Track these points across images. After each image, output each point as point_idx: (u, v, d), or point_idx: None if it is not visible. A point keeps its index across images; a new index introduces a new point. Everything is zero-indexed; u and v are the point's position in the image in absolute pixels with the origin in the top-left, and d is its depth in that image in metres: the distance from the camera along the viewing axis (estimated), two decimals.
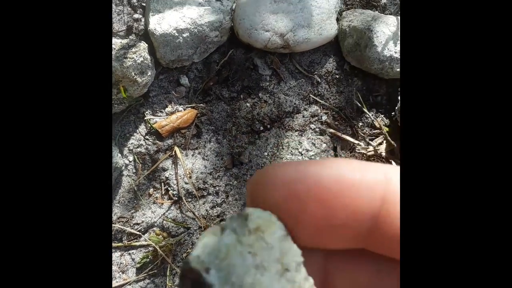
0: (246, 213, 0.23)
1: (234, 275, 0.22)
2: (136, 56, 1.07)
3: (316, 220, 0.23)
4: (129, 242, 1.07)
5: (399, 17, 1.12)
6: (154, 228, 1.08)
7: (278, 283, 0.22)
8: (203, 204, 1.10)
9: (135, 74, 1.08)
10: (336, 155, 1.13)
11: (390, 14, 1.20)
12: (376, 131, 1.14)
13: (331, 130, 1.14)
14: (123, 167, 1.12)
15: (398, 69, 1.08)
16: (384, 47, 1.06)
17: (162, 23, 1.10)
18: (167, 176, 1.12)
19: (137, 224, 1.08)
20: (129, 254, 1.06)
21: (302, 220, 0.23)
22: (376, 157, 1.14)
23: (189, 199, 1.10)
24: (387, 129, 1.13)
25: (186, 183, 1.11)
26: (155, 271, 1.05)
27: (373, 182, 0.22)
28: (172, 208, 1.10)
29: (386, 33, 1.07)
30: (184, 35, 1.10)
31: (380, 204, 0.22)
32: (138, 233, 1.06)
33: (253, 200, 0.24)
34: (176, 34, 1.10)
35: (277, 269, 0.22)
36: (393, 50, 1.06)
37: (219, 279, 0.21)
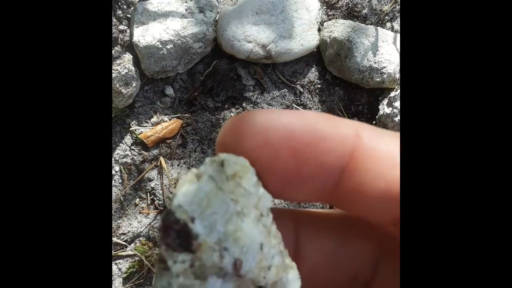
0: (220, 159, 0.22)
1: (218, 223, 0.21)
2: (121, 68, 1.09)
3: (287, 170, 0.23)
4: (115, 252, 1.08)
5: (378, 28, 1.15)
6: (140, 238, 1.09)
7: (256, 227, 0.22)
8: None
9: (120, 85, 1.09)
10: None
11: (371, 24, 1.22)
12: None
13: None
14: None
15: (378, 79, 1.10)
16: (364, 57, 1.09)
17: (146, 35, 1.11)
18: (153, 186, 1.13)
19: (123, 234, 1.09)
20: (116, 264, 1.08)
21: (273, 168, 0.23)
22: None
23: None
24: None
25: (171, 193, 1.12)
26: (141, 280, 1.07)
27: (343, 136, 0.22)
28: (158, 218, 1.11)
29: (366, 44, 1.09)
30: (168, 47, 1.12)
31: (349, 158, 0.22)
32: (124, 243, 1.08)
33: (225, 146, 0.23)
34: (160, 45, 1.12)
35: (255, 215, 0.22)
36: (372, 60, 1.09)
37: (204, 228, 0.21)
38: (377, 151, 0.23)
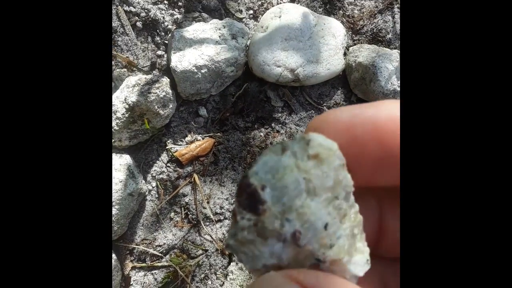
0: (308, 138, 0.23)
1: (286, 196, 0.22)
2: (159, 91, 1.18)
3: (375, 160, 0.24)
4: (152, 263, 1.15)
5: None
6: (175, 250, 1.16)
7: (325, 208, 0.23)
8: (220, 227, 1.18)
9: (158, 107, 1.18)
10: None
11: (395, 48, 1.28)
12: None
13: None
14: (147, 193, 1.22)
15: None
16: (387, 81, 1.14)
17: (182, 60, 1.20)
18: (187, 201, 1.21)
19: (159, 246, 1.16)
20: (152, 274, 1.15)
21: (361, 161, 0.24)
22: None
23: (207, 223, 1.19)
24: None
25: (204, 208, 1.19)
26: None
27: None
28: (191, 231, 1.18)
29: (389, 69, 1.15)
30: (203, 71, 1.20)
31: None
32: (160, 254, 1.15)
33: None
34: (195, 70, 1.20)
35: (327, 197, 0.23)
36: (396, 84, 1.14)
37: (272, 197, 0.23)
38: None
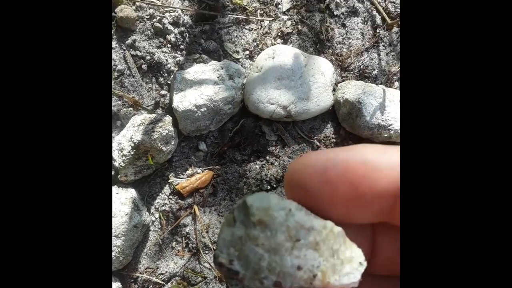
0: (247, 204, 0.25)
1: (252, 262, 0.25)
2: (162, 130, 1.28)
3: (347, 201, 0.25)
4: None
5: (386, 89, 1.29)
6: (176, 278, 1.24)
7: (290, 256, 0.24)
8: None
9: (161, 144, 1.27)
10: None
11: (381, 83, 1.37)
12: None
13: None
14: (150, 224, 1.30)
15: (386, 135, 1.23)
16: (372, 116, 1.22)
17: (183, 100, 1.30)
18: (187, 231, 1.29)
19: (162, 274, 1.24)
20: None
21: (334, 201, 0.25)
22: None
23: (206, 251, 1.26)
24: None
25: (203, 237, 1.27)
26: None
27: (394, 163, 0.24)
28: (191, 259, 1.26)
29: (374, 105, 1.24)
30: (202, 110, 1.30)
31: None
32: (162, 282, 1.23)
33: (290, 187, 0.26)
34: (195, 109, 1.30)
35: (286, 247, 0.24)
36: (380, 119, 1.23)
37: (241, 266, 0.25)
38: None
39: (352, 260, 0.26)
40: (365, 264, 0.26)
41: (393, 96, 1.27)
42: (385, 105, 1.24)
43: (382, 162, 0.24)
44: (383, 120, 1.23)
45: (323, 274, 0.25)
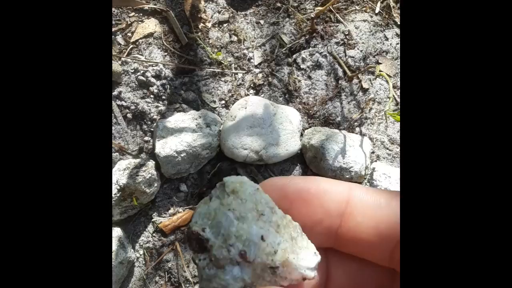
0: (223, 182, 0.29)
1: (222, 229, 0.27)
2: (146, 173, 1.41)
3: (301, 216, 0.28)
4: None
5: (347, 134, 1.45)
6: None
7: (256, 225, 0.27)
8: None
9: (144, 187, 1.40)
10: None
11: (343, 129, 1.53)
12: None
13: None
14: (135, 260, 1.42)
15: (347, 176, 1.39)
16: (334, 160, 1.38)
17: (165, 147, 1.44)
18: (170, 266, 1.40)
19: None
20: None
21: (290, 215, 0.28)
22: None
23: (187, 285, 1.38)
24: None
25: (184, 271, 1.39)
26: None
27: (341, 190, 0.28)
28: None
29: (335, 149, 1.39)
30: (182, 155, 1.44)
31: (345, 205, 0.28)
32: None
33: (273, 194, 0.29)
34: (176, 154, 1.44)
35: (253, 216, 0.27)
36: (342, 162, 1.38)
37: (212, 234, 0.27)
38: (365, 199, 0.28)
39: (308, 248, 0.28)
40: (319, 257, 0.29)
41: (353, 141, 1.43)
42: (346, 149, 1.39)
43: (333, 187, 0.28)
44: (344, 163, 1.38)
45: (283, 251, 0.27)
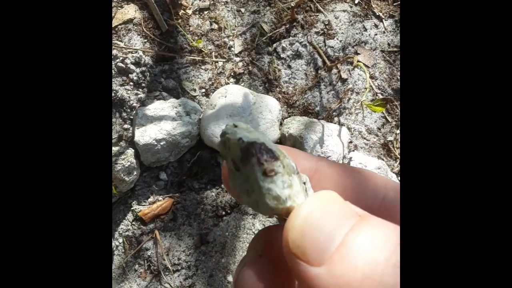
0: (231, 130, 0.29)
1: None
2: (125, 162, 1.40)
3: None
4: None
5: (325, 124, 1.47)
6: None
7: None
8: (178, 276, 1.39)
9: (123, 175, 1.40)
10: None
11: (322, 118, 1.55)
12: None
13: None
14: (114, 248, 1.42)
15: None
16: (313, 149, 1.40)
17: (144, 135, 1.44)
18: (149, 254, 1.41)
19: None
20: None
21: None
22: None
23: (167, 273, 1.39)
24: None
25: (164, 259, 1.40)
26: None
27: (311, 160, 0.30)
28: (153, 281, 1.38)
29: (314, 139, 1.42)
30: (162, 143, 1.44)
31: (314, 173, 0.29)
32: None
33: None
34: (155, 143, 1.44)
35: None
36: (320, 151, 1.41)
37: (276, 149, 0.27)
38: (332, 168, 0.30)
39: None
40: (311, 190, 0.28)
41: (331, 130, 1.46)
42: (324, 139, 1.42)
43: (304, 158, 0.30)
44: (322, 153, 1.41)
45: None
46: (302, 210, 0.23)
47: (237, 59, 1.61)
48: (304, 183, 0.28)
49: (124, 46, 1.57)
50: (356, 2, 1.70)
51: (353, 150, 1.54)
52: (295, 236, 0.22)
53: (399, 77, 1.60)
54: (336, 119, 1.57)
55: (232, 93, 1.49)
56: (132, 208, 1.46)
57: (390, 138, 1.57)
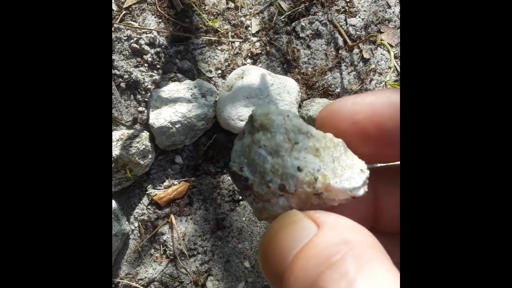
0: (251, 114, 0.28)
1: (257, 166, 0.26)
2: (139, 145, 1.37)
3: (375, 141, 0.26)
4: None
5: None
6: (155, 283, 1.34)
7: (290, 157, 0.26)
8: (194, 261, 1.36)
9: (138, 158, 1.37)
10: None
11: None
12: None
13: None
14: (130, 232, 1.40)
15: None
16: None
17: (159, 118, 1.40)
18: (165, 239, 1.39)
19: (141, 279, 1.34)
20: None
21: (363, 143, 0.27)
22: None
23: (183, 258, 1.37)
24: None
25: (180, 244, 1.38)
26: None
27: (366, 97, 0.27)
28: (169, 265, 1.36)
29: None
30: (177, 126, 1.41)
31: (372, 113, 0.26)
32: (141, 287, 1.33)
33: (324, 128, 0.27)
34: (170, 125, 1.40)
35: (286, 148, 0.26)
36: None
37: (250, 172, 0.27)
38: (394, 100, 0.26)
39: (353, 167, 0.27)
40: (367, 172, 0.27)
41: None
42: None
43: (359, 98, 0.27)
44: None
45: (323, 177, 0.26)
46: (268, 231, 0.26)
47: (254, 39, 1.55)
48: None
49: (138, 26, 1.52)
50: None
51: None
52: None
53: None
54: None
55: (249, 74, 1.44)
56: (147, 192, 1.43)
57: None
